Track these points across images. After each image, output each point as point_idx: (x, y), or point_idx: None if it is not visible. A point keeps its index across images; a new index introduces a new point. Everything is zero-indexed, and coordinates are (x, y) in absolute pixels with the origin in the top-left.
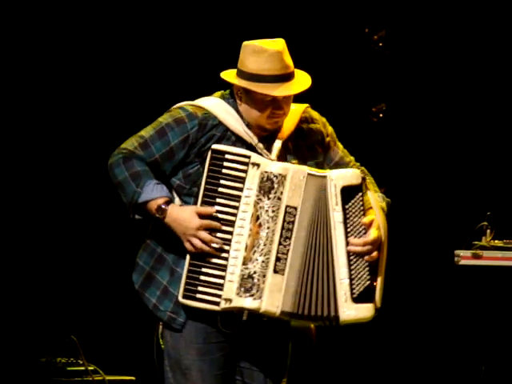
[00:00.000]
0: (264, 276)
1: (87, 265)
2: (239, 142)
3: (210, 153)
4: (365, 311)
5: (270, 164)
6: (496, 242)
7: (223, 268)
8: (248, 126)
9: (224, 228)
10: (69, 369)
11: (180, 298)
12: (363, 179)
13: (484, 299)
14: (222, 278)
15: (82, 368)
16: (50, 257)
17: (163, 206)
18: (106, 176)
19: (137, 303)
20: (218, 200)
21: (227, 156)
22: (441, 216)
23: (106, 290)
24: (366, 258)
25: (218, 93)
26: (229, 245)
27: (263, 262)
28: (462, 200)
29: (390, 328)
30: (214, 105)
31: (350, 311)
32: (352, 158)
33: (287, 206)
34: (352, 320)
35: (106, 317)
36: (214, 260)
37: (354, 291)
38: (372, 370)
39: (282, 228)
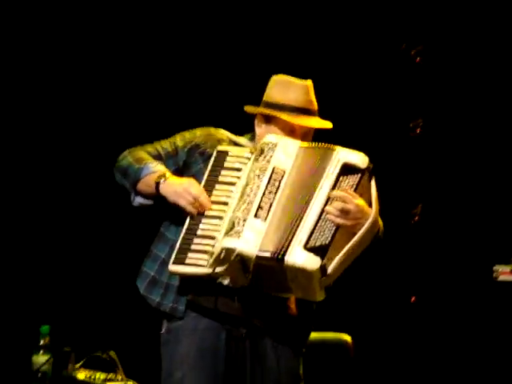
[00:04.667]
0: (244, 220)
1: (124, 281)
2: None
3: (214, 154)
4: (310, 261)
5: (267, 136)
6: None
7: (212, 238)
8: None
9: (218, 207)
10: None
11: (170, 266)
12: (369, 168)
13: None
14: (211, 246)
15: (121, 383)
16: (89, 273)
17: (166, 175)
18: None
19: None
20: (216, 186)
21: (230, 153)
22: (480, 231)
23: (145, 305)
24: (331, 217)
25: None
26: (222, 218)
27: (245, 209)
28: (502, 215)
29: (428, 343)
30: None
31: (296, 256)
32: None
33: (275, 167)
34: (295, 265)
35: (145, 331)
36: (206, 233)
37: (310, 241)
38: None
39: (268, 183)
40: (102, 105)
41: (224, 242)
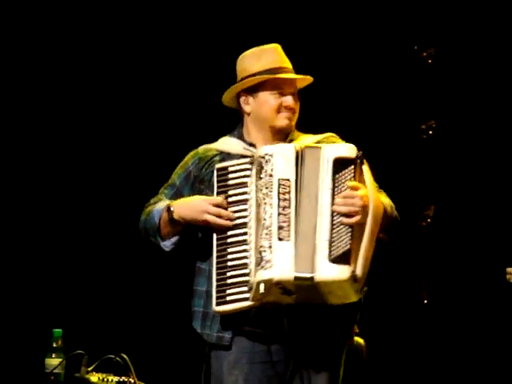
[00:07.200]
0: (270, 246)
1: (137, 285)
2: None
3: (215, 172)
4: (340, 272)
5: (261, 149)
6: None
7: (245, 266)
8: (250, 145)
9: (240, 231)
10: None
11: (214, 308)
12: (359, 156)
13: None
14: (246, 275)
15: None
16: (102, 276)
17: (170, 203)
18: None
19: (188, 321)
20: (230, 209)
21: (230, 169)
22: (492, 233)
23: (157, 309)
24: (345, 220)
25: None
26: (247, 244)
27: (266, 234)
28: None
29: (440, 345)
30: (216, 142)
31: (325, 270)
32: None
33: (279, 179)
34: (326, 279)
35: (158, 335)
36: (237, 262)
37: (332, 252)
38: None
39: (279, 199)
40: (102, 104)
41: (259, 276)
